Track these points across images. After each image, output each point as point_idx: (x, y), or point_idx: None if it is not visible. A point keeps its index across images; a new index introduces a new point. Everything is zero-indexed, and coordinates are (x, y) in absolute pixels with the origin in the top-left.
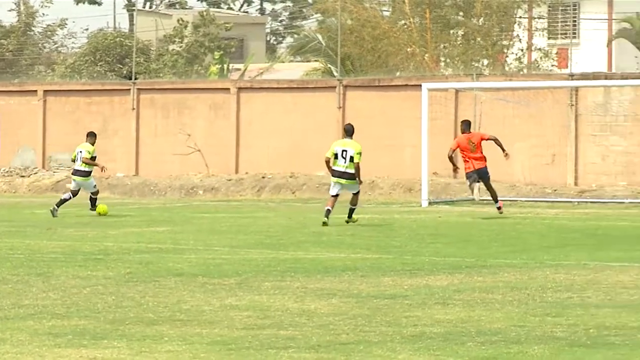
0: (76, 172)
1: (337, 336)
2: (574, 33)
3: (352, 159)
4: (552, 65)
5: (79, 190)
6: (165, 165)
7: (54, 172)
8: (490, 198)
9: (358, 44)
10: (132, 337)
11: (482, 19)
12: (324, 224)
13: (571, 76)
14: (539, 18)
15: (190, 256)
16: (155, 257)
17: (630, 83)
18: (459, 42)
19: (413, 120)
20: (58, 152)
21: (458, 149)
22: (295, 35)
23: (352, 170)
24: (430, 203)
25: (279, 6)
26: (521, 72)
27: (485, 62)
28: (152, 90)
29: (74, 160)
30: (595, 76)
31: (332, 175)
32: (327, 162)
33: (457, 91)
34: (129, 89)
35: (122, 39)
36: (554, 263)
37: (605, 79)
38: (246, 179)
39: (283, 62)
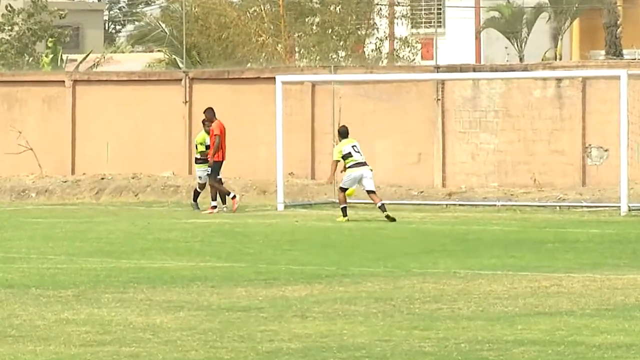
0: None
1: (186, 353)
2: (439, 22)
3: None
4: (415, 55)
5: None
6: None
7: None
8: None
9: (204, 32)
10: None
11: (339, 6)
12: (346, 221)
13: (437, 68)
14: (400, 5)
15: (22, 265)
16: None
17: (500, 76)
18: (314, 32)
19: (267, 115)
20: None
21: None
22: (136, 23)
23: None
24: (286, 206)
25: None
26: (381, 63)
27: (343, 53)
28: None
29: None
30: (462, 68)
31: (354, 166)
32: (335, 164)
33: (313, 85)
34: None
35: None
36: (421, 271)
37: (474, 71)
38: (83, 181)
39: (123, 52)
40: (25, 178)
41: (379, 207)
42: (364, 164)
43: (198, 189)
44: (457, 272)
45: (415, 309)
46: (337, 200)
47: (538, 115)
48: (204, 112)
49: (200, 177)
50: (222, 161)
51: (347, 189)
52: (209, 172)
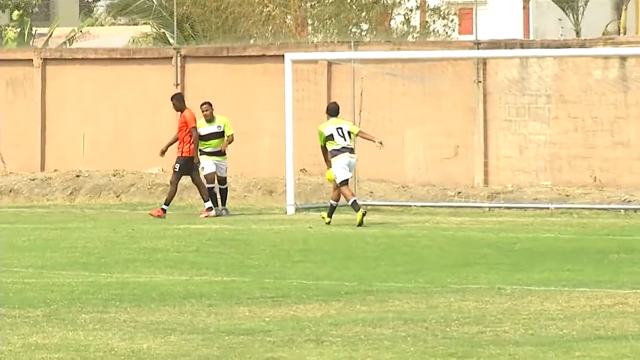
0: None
1: None
2: None
3: (350, 134)
4: (451, 29)
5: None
6: None
7: None
8: None
9: (199, 2)
10: None
11: None
12: (363, 215)
13: (477, 44)
14: None
15: None
16: None
17: (552, 53)
18: (330, 1)
19: (274, 100)
20: None
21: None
22: None
23: (352, 146)
24: (297, 209)
25: None
26: (411, 38)
27: (365, 26)
28: None
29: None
30: (507, 44)
31: (337, 154)
32: (325, 149)
33: (329, 63)
34: None
35: None
36: (459, 287)
37: (521, 47)
38: (55, 179)
39: (102, 25)
40: None
41: (330, 206)
42: (348, 149)
43: (209, 187)
44: (503, 288)
45: (452, 332)
46: (346, 200)
47: (598, 101)
48: (171, 100)
49: (203, 168)
50: (190, 157)
51: (346, 181)
52: (176, 169)
